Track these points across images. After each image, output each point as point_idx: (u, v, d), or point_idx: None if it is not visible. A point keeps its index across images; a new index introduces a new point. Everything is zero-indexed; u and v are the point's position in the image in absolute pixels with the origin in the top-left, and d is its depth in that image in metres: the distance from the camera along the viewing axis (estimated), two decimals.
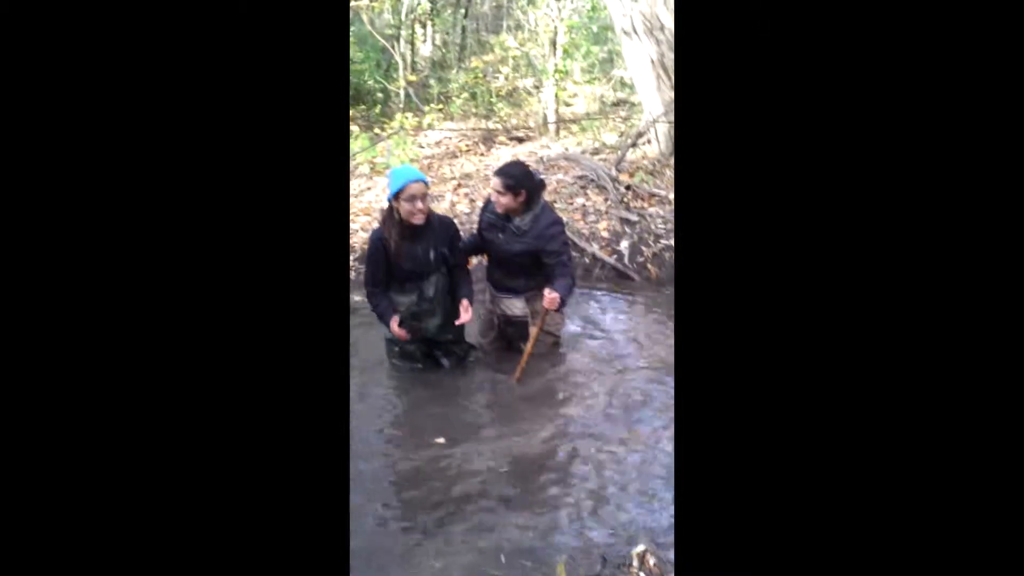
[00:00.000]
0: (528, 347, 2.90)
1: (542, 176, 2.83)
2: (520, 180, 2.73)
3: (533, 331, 2.90)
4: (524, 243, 2.81)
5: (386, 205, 2.73)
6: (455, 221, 3.05)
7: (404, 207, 2.62)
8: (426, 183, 2.65)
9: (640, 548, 1.97)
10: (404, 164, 2.75)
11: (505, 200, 2.75)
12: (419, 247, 2.73)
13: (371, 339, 3.22)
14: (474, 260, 3.07)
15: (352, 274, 4.33)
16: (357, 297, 3.46)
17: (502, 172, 2.77)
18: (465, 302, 2.84)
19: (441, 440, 2.54)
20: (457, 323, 2.84)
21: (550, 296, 2.72)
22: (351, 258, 4.61)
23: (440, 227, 2.81)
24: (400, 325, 2.80)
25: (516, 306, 3.01)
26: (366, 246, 4.57)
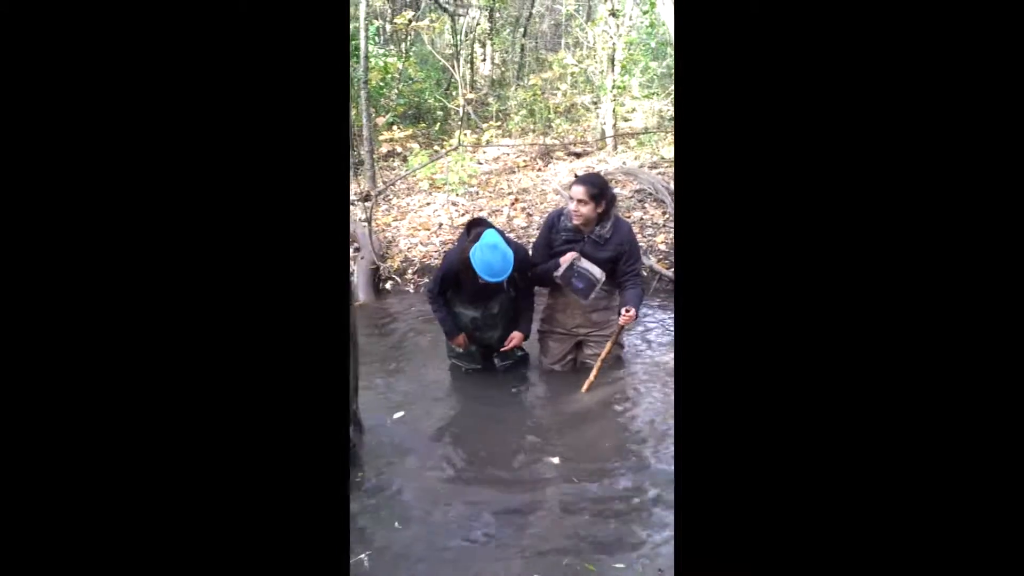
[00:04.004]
0: (599, 360, 2.90)
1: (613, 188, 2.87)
2: (603, 189, 2.76)
3: (607, 345, 2.90)
4: (609, 251, 2.82)
5: (468, 238, 2.80)
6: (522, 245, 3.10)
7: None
8: (499, 282, 2.73)
9: None
10: (501, 252, 2.70)
11: (586, 210, 2.74)
12: None
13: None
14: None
15: (392, 282, 4.41)
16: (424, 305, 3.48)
17: (585, 181, 2.78)
18: (519, 335, 3.01)
19: (556, 460, 2.49)
20: (503, 349, 3.04)
21: (628, 315, 2.74)
22: (411, 271, 4.71)
23: (513, 252, 2.86)
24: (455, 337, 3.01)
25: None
26: (425, 259, 4.70)
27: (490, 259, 2.66)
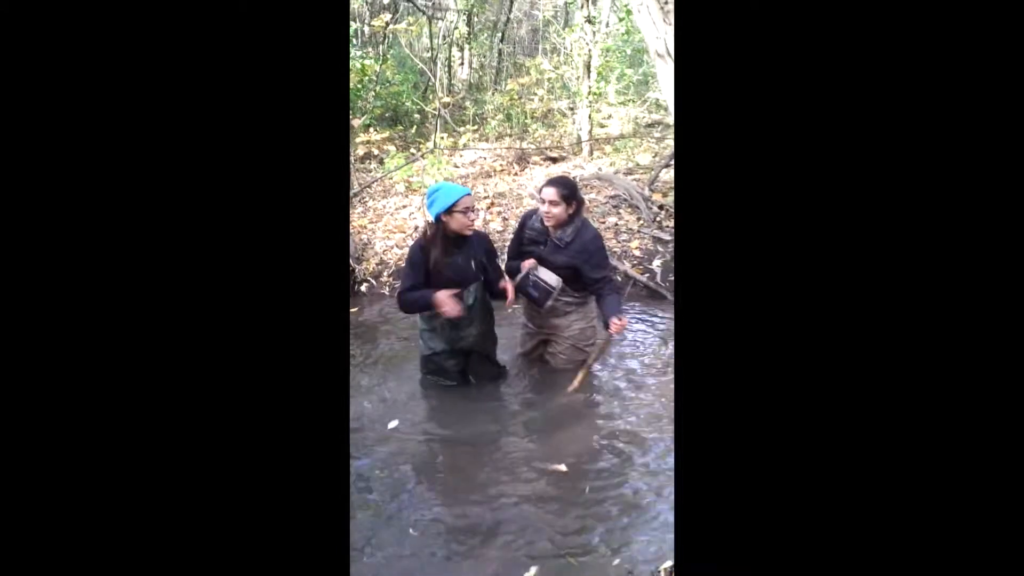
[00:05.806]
0: (586, 367, 3.01)
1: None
2: (573, 191, 2.82)
3: (594, 351, 3.02)
4: (567, 256, 2.85)
5: (430, 221, 2.77)
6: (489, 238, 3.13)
7: (458, 219, 2.70)
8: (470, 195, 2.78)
9: (668, 564, 1.97)
10: (443, 182, 2.89)
11: (557, 211, 2.78)
12: (460, 258, 2.82)
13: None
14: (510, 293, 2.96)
15: (364, 286, 4.39)
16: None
17: (556, 183, 2.82)
18: (507, 284, 2.88)
19: (563, 467, 2.50)
20: (507, 303, 2.89)
21: (621, 323, 2.78)
22: (386, 273, 4.70)
23: (477, 238, 2.90)
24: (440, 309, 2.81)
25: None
26: (401, 262, 4.69)
27: (445, 186, 2.75)
